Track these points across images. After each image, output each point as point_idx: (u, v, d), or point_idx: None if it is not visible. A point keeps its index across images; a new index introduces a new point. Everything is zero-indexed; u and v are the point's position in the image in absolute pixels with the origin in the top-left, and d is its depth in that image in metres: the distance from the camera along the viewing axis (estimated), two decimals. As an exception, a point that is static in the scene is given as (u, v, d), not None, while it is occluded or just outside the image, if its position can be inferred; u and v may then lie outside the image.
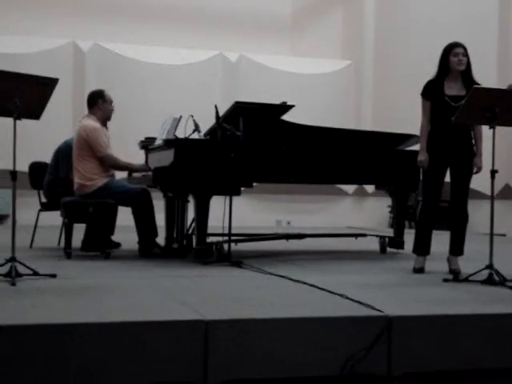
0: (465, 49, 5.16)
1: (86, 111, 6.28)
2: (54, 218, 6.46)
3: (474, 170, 5.22)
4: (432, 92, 5.21)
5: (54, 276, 4.52)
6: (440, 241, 5.39)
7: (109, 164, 6.03)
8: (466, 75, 5.19)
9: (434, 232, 5.33)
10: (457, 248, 5.29)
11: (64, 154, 6.45)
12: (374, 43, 11.50)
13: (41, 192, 6.68)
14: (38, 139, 9.14)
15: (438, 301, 4.07)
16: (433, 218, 5.28)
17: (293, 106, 5.87)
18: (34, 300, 3.72)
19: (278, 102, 5.94)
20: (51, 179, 6.54)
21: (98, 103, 6.13)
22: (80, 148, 5.98)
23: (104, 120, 6.18)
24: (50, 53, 10.15)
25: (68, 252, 5.77)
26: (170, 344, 3.17)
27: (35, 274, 4.45)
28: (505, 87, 4.92)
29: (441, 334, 3.54)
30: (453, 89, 5.18)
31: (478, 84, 5.08)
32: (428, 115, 5.23)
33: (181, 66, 10.76)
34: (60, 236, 6.55)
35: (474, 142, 5.23)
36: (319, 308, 3.69)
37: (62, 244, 5.99)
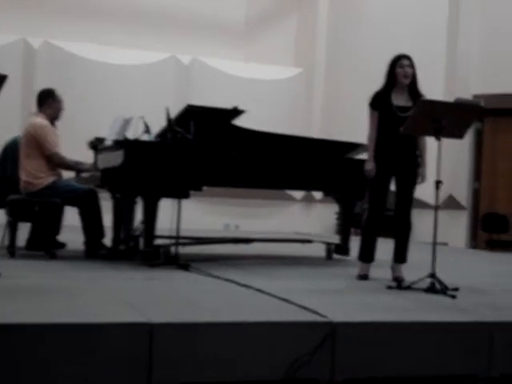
0: (411, 60, 5.26)
1: (35, 109, 6.19)
2: (-1, 216, 6.34)
3: (419, 181, 5.32)
4: (380, 103, 5.30)
5: (-4, 275, 4.44)
6: (385, 248, 5.48)
7: (56, 162, 5.96)
8: (412, 87, 5.29)
9: (379, 240, 5.41)
10: (400, 256, 5.38)
11: (12, 151, 6.35)
12: (326, 52, 11.61)
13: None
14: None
15: (381, 307, 4.13)
16: (378, 226, 5.37)
17: (244, 111, 5.90)
18: (-24, 299, 3.66)
19: (229, 106, 5.95)
20: (-3, 177, 6.43)
21: (48, 102, 6.07)
22: (27, 145, 5.90)
23: (53, 119, 6.11)
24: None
25: (11, 251, 5.68)
26: (114, 346, 3.14)
27: (-22, 272, 4.37)
28: (452, 99, 5.04)
29: (383, 340, 3.60)
30: (400, 100, 5.28)
31: (423, 95, 5.20)
32: (375, 125, 5.32)
33: (133, 67, 10.67)
34: (4, 234, 6.43)
35: (418, 152, 5.34)
36: (264, 312, 3.71)
37: (6, 242, 5.88)
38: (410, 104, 5.21)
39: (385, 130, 5.27)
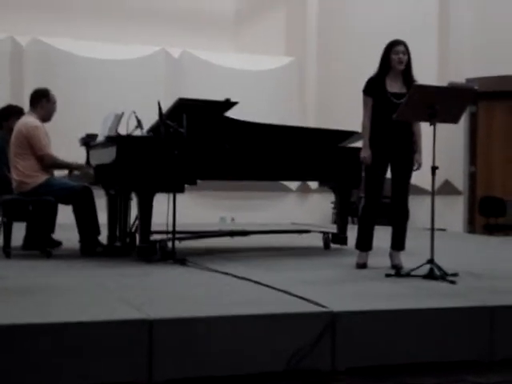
0: (406, 47, 5.22)
1: (24, 108, 6.13)
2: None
3: (415, 167, 5.29)
4: (374, 89, 5.26)
5: (-8, 276, 4.42)
6: (382, 236, 5.46)
7: (48, 163, 5.90)
8: (407, 73, 5.26)
9: (376, 227, 5.39)
10: (398, 243, 5.36)
11: None
12: (317, 40, 11.55)
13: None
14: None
15: (381, 296, 4.12)
16: (375, 214, 5.34)
17: (236, 102, 5.85)
18: (-28, 301, 3.63)
19: (221, 98, 5.91)
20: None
21: (42, 102, 6.01)
22: (18, 145, 5.84)
23: (44, 120, 6.05)
24: (-14, 48, 9.89)
25: (7, 251, 5.64)
26: (114, 344, 3.13)
27: (-27, 274, 4.34)
28: (445, 84, 5.01)
29: (383, 328, 3.59)
30: (394, 86, 5.25)
31: (417, 82, 5.16)
32: (370, 112, 5.28)
33: (123, 62, 10.60)
34: (-1, 235, 6.40)
35: (413, 138, 5.30)
36: (264, 305, 3.69)
37: (1, 243, 5.85)
38: (404, 90, 5.17)
39: (379, 117, 5.23)
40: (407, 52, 5.22)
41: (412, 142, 5.29)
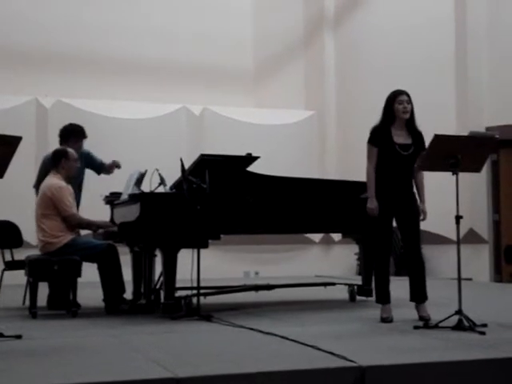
0: (408, 96, 5.23)
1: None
2: (19, 277, 6.33)
3: (421, 217, 5.25)
4: (380, 139, 5.23)
5: (19, 337, 4.42)
6: (407, 287, 5.39)
7: (73, 223, 5.95)
8: (410, 123, 5.26)
9: (401, 278, 5.32)
10: (419, 294, 5.24)
11: None
12: (337, 93, 11.65)
13: (5, 251, 6.56)
14: (0, 197, 9.02)
15: (410, 349, 4.06)
16: (388, 265, 5.27)
17: (258, 157, 5.91)
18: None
19: (243, 153, 5.96)
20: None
21: (62, 162, 6.07)
22: (44, 206, 5.90)
23: (69, 177, 6.12)
24: (13, 110, 10.06)
25: (33, 311, 5.64)
26: (140, 404, 3.11)
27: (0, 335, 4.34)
28: (465, 134, 5.02)
29: (414, 382, 3.52)
30: (400, 137, 5.23)
31: (420, 132, 5.18)
32: (375, 162, 5.25)
33: (145, 120, 10.75)
34: (25, 295, 6.42)
35: (415, 189, 5.27)
36: (292, 361, 3.66)
37: (27, 303, 5.86)
38: (409, 141, 5.18)
39: (385, 168, 5.21)
40: (410, 101, 5.23)
41: (413, 193, 5.26)
